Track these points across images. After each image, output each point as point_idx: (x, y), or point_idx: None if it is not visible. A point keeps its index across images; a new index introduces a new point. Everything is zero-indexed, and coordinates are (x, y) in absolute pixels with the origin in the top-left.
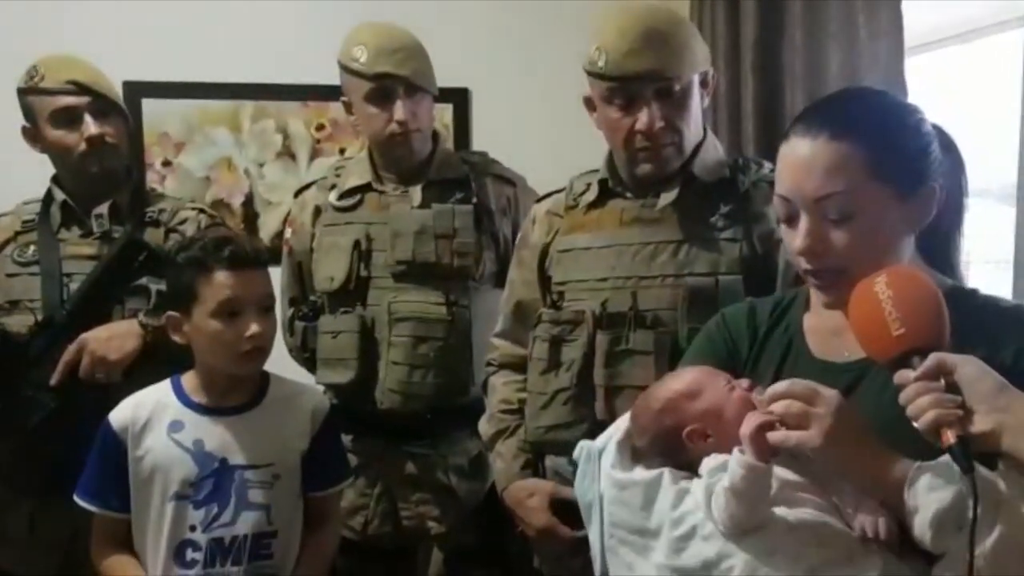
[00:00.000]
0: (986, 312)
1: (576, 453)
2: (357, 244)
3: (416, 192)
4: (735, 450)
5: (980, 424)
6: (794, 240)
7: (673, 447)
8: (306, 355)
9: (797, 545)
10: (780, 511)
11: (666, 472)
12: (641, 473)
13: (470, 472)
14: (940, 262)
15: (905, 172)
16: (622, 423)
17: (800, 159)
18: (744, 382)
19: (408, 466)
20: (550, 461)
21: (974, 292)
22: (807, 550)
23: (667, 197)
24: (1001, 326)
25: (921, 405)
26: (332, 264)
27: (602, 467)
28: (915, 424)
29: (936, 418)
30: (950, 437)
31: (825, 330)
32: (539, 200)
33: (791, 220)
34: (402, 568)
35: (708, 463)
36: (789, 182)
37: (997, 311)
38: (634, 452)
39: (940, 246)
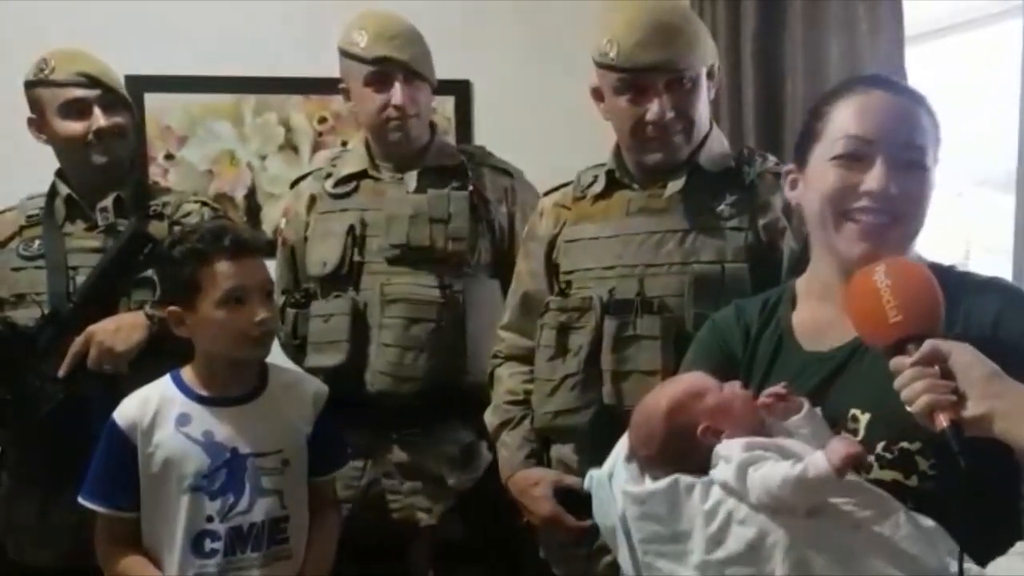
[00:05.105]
0: (962, 285)
1: (587, 484)
2: (351, 229)
3: (412, 177)
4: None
5: (973, 409)
6: (862, 179)
7: (684, 449)
8: (296, 342)
9: (835, 504)
10: None
11: (680, 476)
12: (656, 483)
13: (461, 462)
14: None
15: (937, 148)
16: (622, 445)
17: (889, 106)
18: (736, 383)
19: (398, 454)
20: (555, 451)
21: (951, 268)
22: (845, 507)
23: (674, 186)
24: (975, 296)
25: (915, 390)
26: (325, 249)
27: (615, 488)
28: (909, 408)
29: (930, 403)
30: (943, 421)
31: (811, 324)
32: (547, 193)
33: (856, 160)
34: (388, 569)
35: (727, 447)
36: (874, 124)
37: (972, 283)
38: (640, 466)
39: None
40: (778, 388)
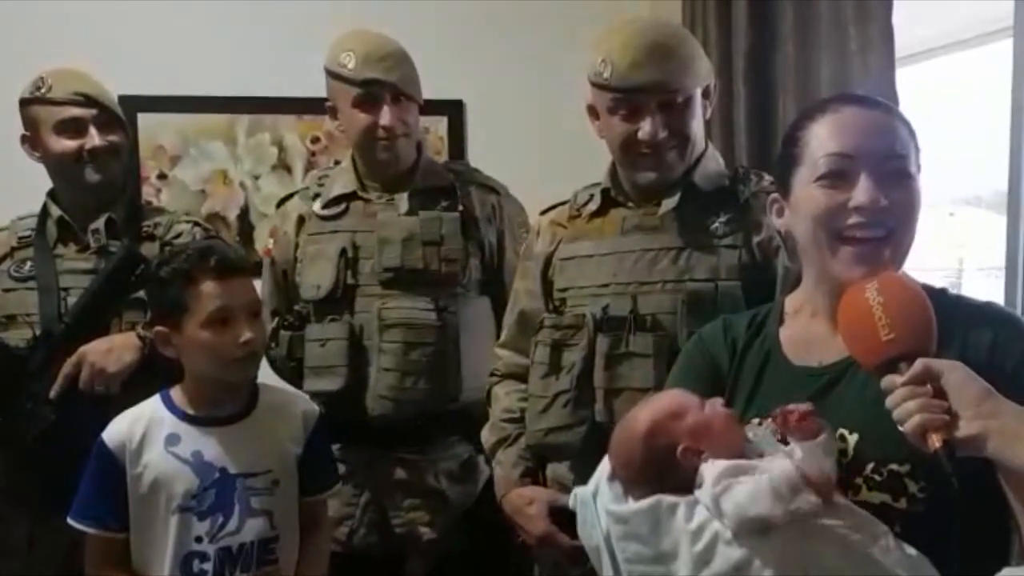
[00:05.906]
0: (956, 311)
1: (571, 502)
2: (343, 252)
3: (403, 200)
4: (794, 448)
5: (966, 429)
6: (849, 196)
7: (665, 470)
8: (292, 364)
9: (825, 526)
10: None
11: (662, 496)
12: (638, 502)
13: (461, 476)
14: None
15: (918, 156)
16: (606, 463)
17: (864, 120)
18: (718, 401)
19: (398, 472)
20: (551, 470)
21: (943, 291)
22: (836, 530)
23: (668, 203)
24: (970, 324)
25: (908, 409)
26: (318, 272)
27: (599, 507)
28: (901, 428)
29: (922, 422)
30: (936, 441)
31: (800, 339)
32: (544, 212)
33: (841, 178)
34: None
35: (710, 470)
36: (853, 139)
37: (967, 310)
38: (622, 486)
39: None
40: (805, 406)
